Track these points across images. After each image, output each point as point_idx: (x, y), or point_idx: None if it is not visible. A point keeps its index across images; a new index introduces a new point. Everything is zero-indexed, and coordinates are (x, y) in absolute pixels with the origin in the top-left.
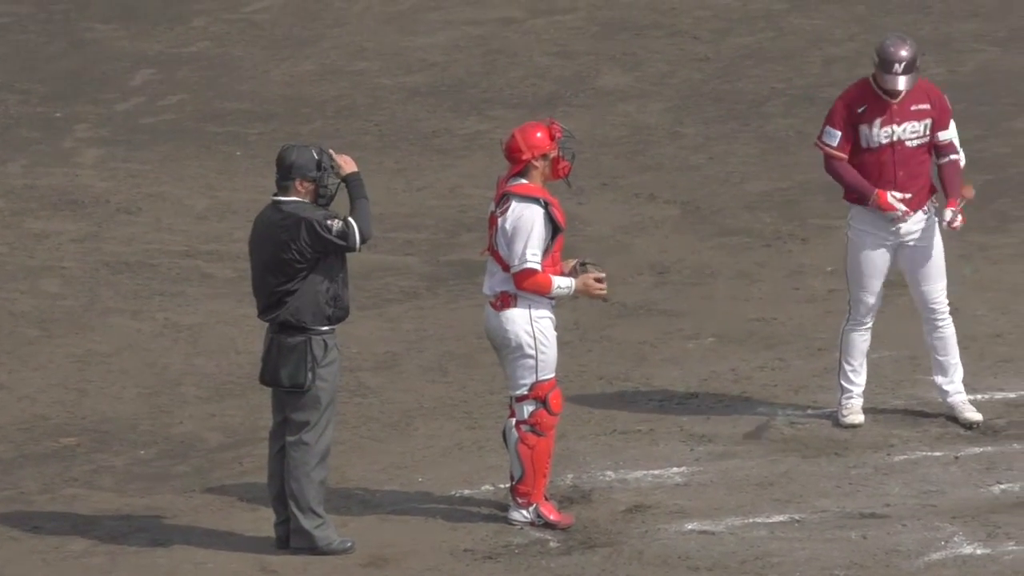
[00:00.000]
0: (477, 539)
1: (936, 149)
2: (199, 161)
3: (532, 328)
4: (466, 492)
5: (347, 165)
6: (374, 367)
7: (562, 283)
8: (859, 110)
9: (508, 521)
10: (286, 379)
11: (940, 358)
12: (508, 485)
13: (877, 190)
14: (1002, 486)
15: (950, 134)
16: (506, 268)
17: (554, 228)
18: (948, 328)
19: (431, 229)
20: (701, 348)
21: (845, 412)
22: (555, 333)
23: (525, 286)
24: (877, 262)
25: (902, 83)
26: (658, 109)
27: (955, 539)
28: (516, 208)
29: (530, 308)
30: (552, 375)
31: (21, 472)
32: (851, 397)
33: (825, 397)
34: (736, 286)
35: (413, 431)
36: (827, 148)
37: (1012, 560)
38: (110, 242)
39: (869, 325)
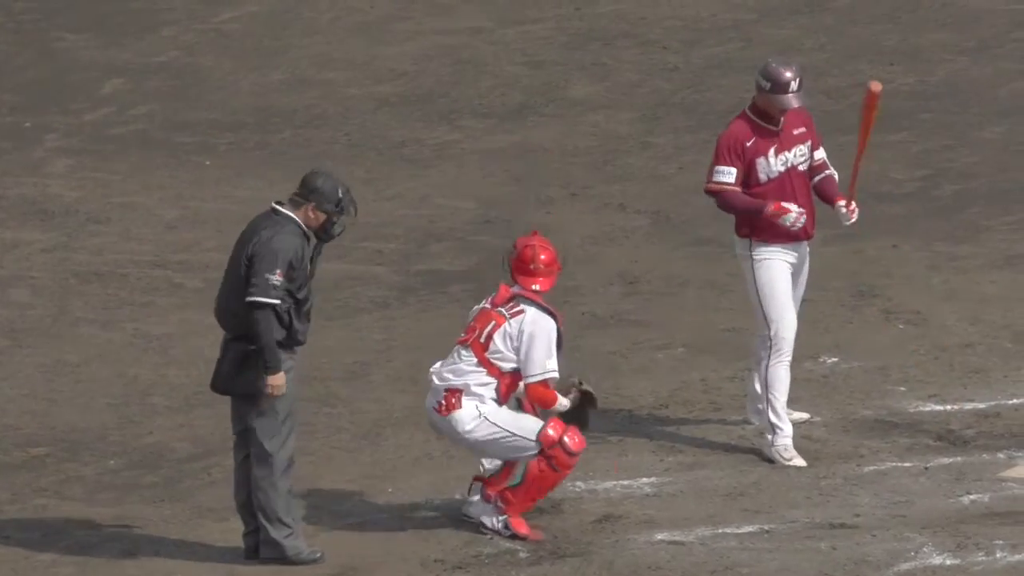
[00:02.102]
0: (447, 549)
1: (811, 169)
2: (168, 171)
3: (486, 418)
4: (436, 502)
5: (275, 381)
6: (343, 377)
7: (563, 401)
8: (748, 143)
9: (478, 522)
10: (237, 387)
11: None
12: (478, 482)
13: (770, 201)
14: (971, 496)
15: (823, 153)
16: (488, 366)
17: (558, 346)
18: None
19: (400, 239)
20: (671, 358)
21: (787, 455)
22: (509, 402)
23: (538, 393)
24: (786, 279)
25: (795, 101)
26: (628, 119)
27: (924, 549)
28: (532, 314)
29: (476, 402)
30: (540, 425)
31: None
32: (786, 436)
33: (794, 407)
34: (706, 296)
35: (382, 441)
36: (724, 186)
37: (981, 571)
38: (79, 252)
39: (790, 355)
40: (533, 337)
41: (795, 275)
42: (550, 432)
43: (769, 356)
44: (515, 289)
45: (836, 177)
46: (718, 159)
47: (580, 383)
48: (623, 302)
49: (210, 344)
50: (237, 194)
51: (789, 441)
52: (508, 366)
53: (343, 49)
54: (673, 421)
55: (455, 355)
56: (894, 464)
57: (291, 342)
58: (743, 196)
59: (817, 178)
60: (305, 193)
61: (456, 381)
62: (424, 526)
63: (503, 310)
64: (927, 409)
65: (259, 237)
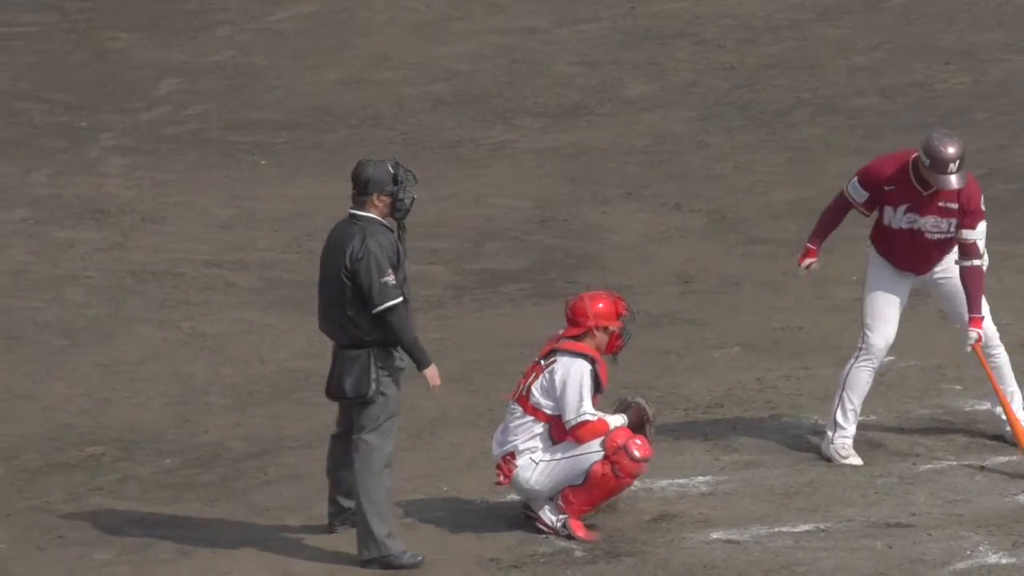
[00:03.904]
0: (503, 548)
1: (960, 247)
2: (224, 170)
3: (543, 461)
4: (491, 501)
5: (431, 374)
6: (404, 376)
7: (616, 421)
8: (887, 188)
9: (536, 518)
10: (349, 390)
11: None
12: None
13: (809, 252)
14: None
15: (975, 235)
16: (534, 413)
17: (596, 386)
18: (1001, 356)
19: (456, 238)
20: (726, 357)
21: (844, 453)
22: (549, 454)
23: (584, 435)
24: (897, 290)
25: (955, 182)
26: (683, 118)
27: (980, 548)
28: (563, 362)
29: (528, 455)
30: (600, 441)
31: (47, 481)
32: (847, 436)
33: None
34: (761, 295)
35: (438, 440)
36: (847, 198)
37: None
38: (135, 251)
39: (878, 364)
40: (564, 383)
41: (939, 288)
42: (614, 437)
43: (856, 357)
44: (560, 342)
45: (985, 267)
46: (863, 174)
47: (633, 399)
48: (679, 301)
49: (266, 343)
50: (292, 193)
51: (849, 441)
52: (551, 411)
53: (398, 48)
54: (728, 420)
55: (507, 415)
56: (950, 463)
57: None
58: (830, 220)
59: (963, 263)
60: (361, 188)
61: (508, 445)
62: (479, 525)
63: (542, 362)
64: (983, 408)
65: (352, 248)
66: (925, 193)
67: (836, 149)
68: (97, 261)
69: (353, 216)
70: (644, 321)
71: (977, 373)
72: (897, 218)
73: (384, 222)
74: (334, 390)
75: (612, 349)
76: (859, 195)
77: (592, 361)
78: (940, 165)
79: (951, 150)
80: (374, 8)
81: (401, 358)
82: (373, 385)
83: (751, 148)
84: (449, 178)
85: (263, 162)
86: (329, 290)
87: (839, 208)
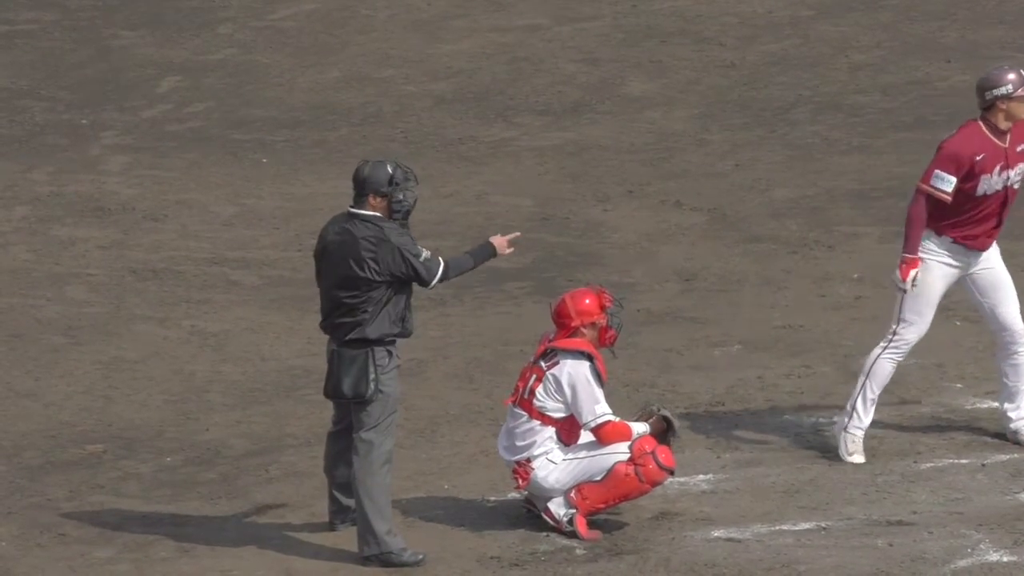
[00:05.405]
0: (504, 546)
1: None
2: (225, 168)
3: (563, 460)
4: (492, 499)
5: (500, 247)
6: (400, 374)
7: (639, 429)
8: (978, 158)
9: (543, 508)
10: (348, 390)
11: (1010, 383)
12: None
13: (912, 263)
14: None
15: None
16: (540, 418)
17: (599, 382)
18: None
19: (457, 236)
20: (727, 355)
21: (851, 449)
22: (571, 452)
23: (608, 436)
24: (938, 289)
25: None
26: (684, 116)
27: (981, 546)
28: (567, 364)
29: (543, 458)
30: (628, 444)
31: (48, 479)
32: (860, 428)
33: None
34: (762, 293)
35: (439, 438)
36: (938, 193)
37: None
38: (136, 249)
39: (903, 358)
40: (574, 387)
41: (977, 280)
42: (642, 442)
43: (884, 348)
44: (551, 343)
45: None
46: (942, 164)
47: (659, 409)
48: (679, 299)
49: (268, 341)
50: (294, 191)
51: (861, 434)
52: (559, 414)
53: (400, 46)
54: (729, 418)
55: (509, 419)
56: (951, 461)
57: (404, 332)
58: (921, 224)
59: None
60: (360, 190)
61: (520, 452)
62: (480, 523)
63: (542, 363)
64: (984, 406)
65: (367, 247)
66: (1006, 145)
67: (837, 147)
68: (98, 259)
69: (357, 215)
70: (645, 319)
71: (977, 372)
72: (993, 183)
73: (388, 219)
74: (332, 390)
75: (605, 342)
76: (948, 184)
77: (590, 358)
78: (1020, 81)
79: (1009, 68)
80: (375, 6)
81: (399, 355)
82: (372, 385)
83: (752, 146)
84: (450, 176)
85: (264, 160)
86: (332, 289)
87: (924, 209)
